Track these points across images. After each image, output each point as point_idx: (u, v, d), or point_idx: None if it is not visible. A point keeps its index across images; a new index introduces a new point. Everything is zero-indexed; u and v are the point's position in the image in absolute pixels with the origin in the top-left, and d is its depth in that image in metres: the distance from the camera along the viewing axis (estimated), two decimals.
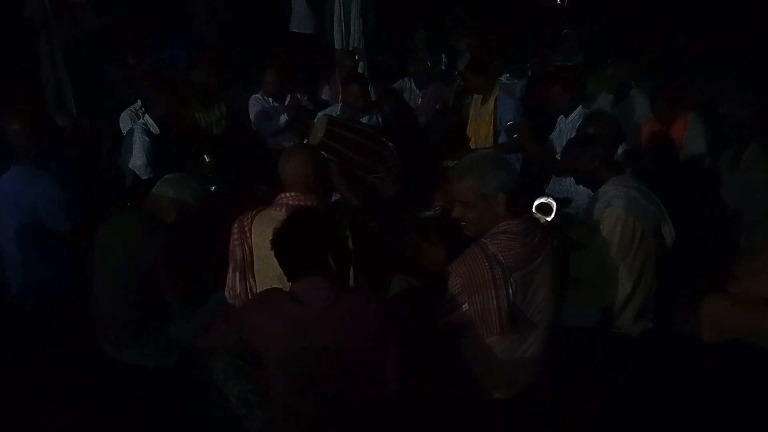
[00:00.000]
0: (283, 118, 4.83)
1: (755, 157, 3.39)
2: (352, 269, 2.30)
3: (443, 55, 6.74)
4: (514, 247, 2.07)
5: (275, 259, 2.18)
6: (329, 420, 1.91)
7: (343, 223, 2.08)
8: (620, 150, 3.39)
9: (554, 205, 3.04)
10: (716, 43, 6.96)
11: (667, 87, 4.23)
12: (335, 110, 4.40)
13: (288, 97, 4.95)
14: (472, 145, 4.53)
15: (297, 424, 1.93)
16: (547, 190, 4.04)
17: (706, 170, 3.91)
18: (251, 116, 4.92)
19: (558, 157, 3.79)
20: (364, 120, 4.34)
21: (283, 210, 2.35)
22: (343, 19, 6.19)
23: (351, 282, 2.28)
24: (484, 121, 4.43)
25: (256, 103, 4.94)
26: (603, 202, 2.73)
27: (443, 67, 6.58)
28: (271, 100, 4.93)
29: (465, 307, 2.09)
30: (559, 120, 4.10)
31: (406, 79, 5.60)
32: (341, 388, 1.88)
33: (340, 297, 1.88)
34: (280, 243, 1.94)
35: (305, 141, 3.89)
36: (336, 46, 6.27)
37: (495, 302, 2.03)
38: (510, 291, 2.04)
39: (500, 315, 2.04)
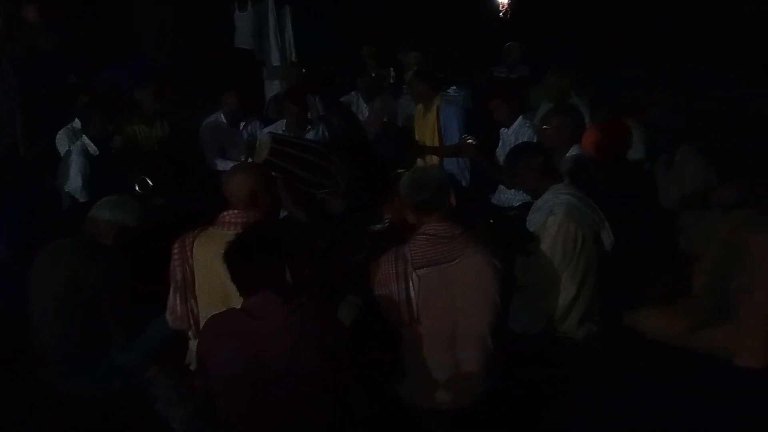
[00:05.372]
0: (235, 153, 4.62)
1: (687, 159, 3.51)
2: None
3: (392, 68, 6.79)
4: (425, 246, 2.26)
5: (218, 279, 2.17)
6: None
7: (296, 235, 2.08)
8: (572, 151, 3.45)
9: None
10: (655, 52, 7.24)
11: (608, 94, 4.36)
12: (280, 126, 4.38)
13: (242, 125, 4.80)
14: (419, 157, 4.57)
15: None
16: (493, 200, 4.11)
17: (645, 175, 4.03)
18: (203, 142, 4.77)
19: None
20: (311, 135, 4.34)
21: (225, 228, 2.33)
22: (278, 34, 6.28)
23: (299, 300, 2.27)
24: (428, 130, 4.47)
25: (209, 130, 4.76)
26: (544, 211, 2.79)
27: (391, 80, 6.63)
28: (226, 123, 4.76)
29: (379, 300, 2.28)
30: (501, 132, 4.18)
31: (353, 93, 5.62)
32: (295, 403, 1.86)
33: (294, 310, 1.87)
34: (234, 258, 1.91)
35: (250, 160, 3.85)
36: (274, 63, 6.34)
37: (397, 295, 2.22)
38: (412, 284, 2.21)
39: (400, 306, 2.22)
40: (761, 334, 2.59)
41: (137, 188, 3.52)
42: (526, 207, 3.54)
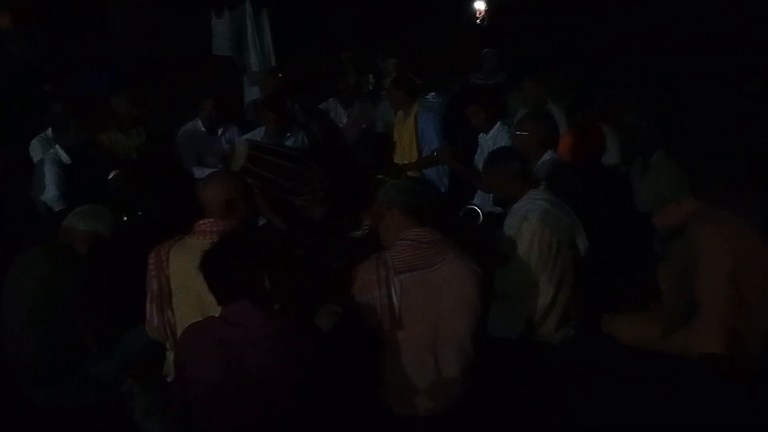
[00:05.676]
0: (213, 159, 4.61)
1: (662, 163, 3.55)
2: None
3: (370, 75, 6.81)
4: (406, 252, 2.28)
5: (194, 289, 2.15)
6: None
7: (275, 243, 2.07)
8: (546, 157, 3.48)
9: (479, 211, 3.52)
10: (631, 56, 7.34)
11: (583, 100, 4.42)
12: (259, 133, 4.35)
13: (220, 132, 4.78)
14: (398, 161, 4.59)
15: None
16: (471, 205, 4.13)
17: (621, 179, 4.08)
18: (181, 149, 4.74)
19: None
20: (290, 142, 4.33)
21: (202, 237, 2.31)
22: (257, 39, 6.31)
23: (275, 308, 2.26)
24: (407, 136, 4.50)
25: (187, 137, 4.72)
26: (519, 217, 2.81)
27: (370, 87, 6.65)
28: (204, 130, 4.73)
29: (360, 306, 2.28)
30: (480, 137, 4.21)
31: (331, 99, 5.62)
32: (274, 410, 1.84)
33: (272, 318, 1.86)
34: (211, 267, 1.89)
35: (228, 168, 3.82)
36: (254, 69, 6.37)
37: (379, 300, 2.23)
38: (393, 290, 2.23)
39: (382, 311, 2.23)
40: (718, 320, 2.57)
41: (113, 197, 3.48)
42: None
